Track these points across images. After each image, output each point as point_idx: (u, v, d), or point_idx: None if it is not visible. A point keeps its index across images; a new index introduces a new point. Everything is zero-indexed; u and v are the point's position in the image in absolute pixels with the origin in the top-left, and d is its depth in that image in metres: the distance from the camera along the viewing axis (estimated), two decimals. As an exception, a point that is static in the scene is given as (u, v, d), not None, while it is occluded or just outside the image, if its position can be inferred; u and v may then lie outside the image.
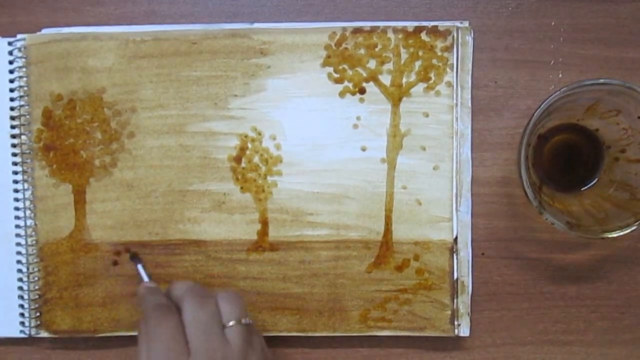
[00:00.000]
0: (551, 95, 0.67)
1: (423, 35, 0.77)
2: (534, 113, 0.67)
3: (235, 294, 0.68)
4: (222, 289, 0.69)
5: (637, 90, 0.66)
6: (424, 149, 0.78)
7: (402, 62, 0.78)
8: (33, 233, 0.79)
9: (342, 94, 0.78)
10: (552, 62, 0.78)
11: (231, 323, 0.65)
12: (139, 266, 0.77)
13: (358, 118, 0.78)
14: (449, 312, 0.78)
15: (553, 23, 0.78)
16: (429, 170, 0.78)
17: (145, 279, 0.76)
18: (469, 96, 0.78)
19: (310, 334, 0.79)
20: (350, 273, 0.79)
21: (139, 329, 0.66)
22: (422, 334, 0.79)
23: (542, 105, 0.67)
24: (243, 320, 0.66)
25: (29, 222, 0.79)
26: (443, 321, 0.78)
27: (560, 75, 0.78)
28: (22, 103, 0.79)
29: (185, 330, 0.64)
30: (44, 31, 0.79)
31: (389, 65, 0.78)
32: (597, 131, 0.75)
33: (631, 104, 0.69)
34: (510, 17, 0.78)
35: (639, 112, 0.69)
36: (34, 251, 0.79)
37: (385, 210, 0.78)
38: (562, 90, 0.67)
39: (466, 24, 0.77)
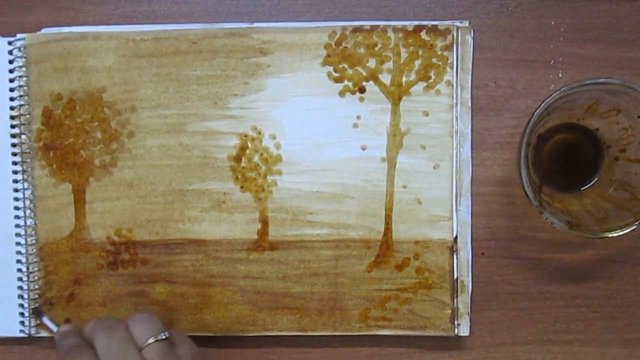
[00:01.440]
0: (551, 94, 0.67)
1: (423, 34, 0.77)
2: (534, 113, 0.67)
3: (147, 312, 0.68)
4: (132, 315, 0.68)
5: (637, 90, 0.66)
6: (424, 148, 0.78)
7: (402, 61, 0.78)
8: (33, 233, 0.79)
9: (342, 93, 0.78)
10: (552, 61, 0.78)
11: (148, 342, 0.65)
12: (45, 319, 0.78)
13: (358, 117, 0.78)
14: (449, 311, 0.78)
15: (553, 23, 0.78)
16: (429, 169, 0.78)
17: (54, 328, 0.77)
18: (469, 96, 0.78)
19: (310, 334, 0.79)
20: (351, 272, 0.79)
21: None
22: (422, 333, 0.79)
23: (542, 105, 0.67)
24: (159, 336, 0.65)
25: (29, 221, 0.79)
26: (443, 320, 0.78)
27: (560, 75, 0.78)
28: (22, 103, 0.79)
29: None
30: (44, 31, 0.79)
31: (389, 64, 0.78)
32: (597, 131, 0.75)
33: (631, 103, 0.69)
34: (510, 17, 0.78)
35: (639, 111, 0.69)
36: (34, 251, 0.79)
37: (386, 210, 0.78)
38: (562, 89, 0.67)
39: (466, 23, 0.77)
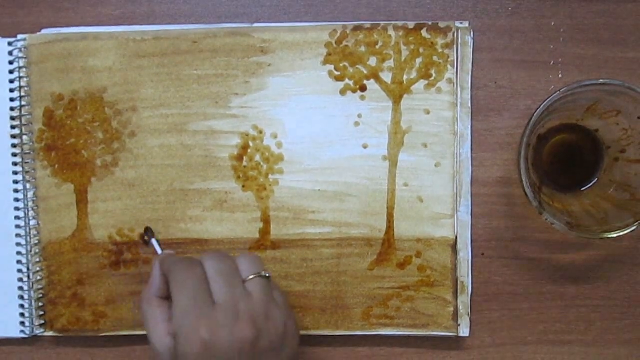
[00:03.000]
0: (551, 95, 0.67)
1: (424, 33, 0.77)
2: (534, 113, 0.67)
3: (252, 254, 0.71)
4: (241, 253, 0.71)
5: (637, 91, 0.67)
6: (426, 146, 0.78)
7: (403, 59, 0.78)
8: (36, 233, 0.80)
9: (343, 92, 0.78)
10: (552, 62, 0.78)
11: (251, 277, 0.66)
12: (153, 240, 0.78)
13: (359, 116, 0.78)
14: (452, 309, 0.79)
15: (553, 23, 0.78)
16: (431, 167, 0.78)
17: (159, 251, 0.77)
18: (469, 96, 0.78)
19: (312, 332, 0.80)
20: (353, 271, 0.79)
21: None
22: (424, 331, 0.79)
23: (542, 106, 0.67)
24: (262, 273, 0.67)
25: (32, 222, 0.79)
26: (445, 318, 0.79)
27: (560, 76, 0.78)
28: (23, 103, 0.79)
29: (209, 283, 0.65)
30: (45, 31, 0.79)
31: (390, 63, 0.78)
32: (597, 131, 0.75)
33: (631, 104, 0.69)
34: (510, 18, 0.78)
35: (638, 112, 0.69)
36: (38, 251, 0.80)
37: (387, 208, 0.79)
38: (562, 90, 0.67)
39: (466, 24, 0.77)
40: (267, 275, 0.67)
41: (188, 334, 0.62)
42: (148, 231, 0.79)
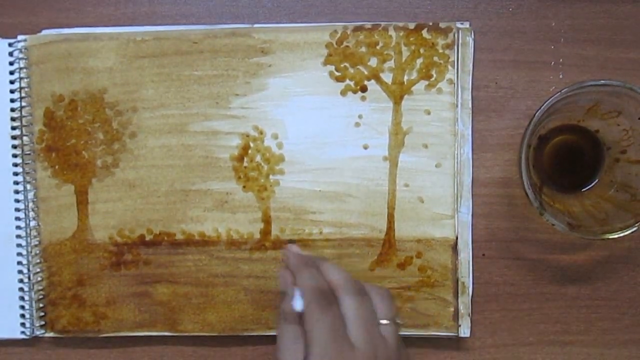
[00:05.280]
0: (552, 96, 0.67)
1: (424, 33, 0.77)
2: (535, 114, 0.67)
3: (388, 291, 0.68)
4: (373, 285, 0.69)
5: (638, 91, 0.67)
6: (426, 146, 0.78)
7: (404, 59, 0.78)
8: (36, 234, 0.80)
9: (343, 92, 0.78)
10: (553, 63, 0.78)
11: (385, 321, 0.65)
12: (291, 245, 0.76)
13: (360, 116, 0.78)
14: (452, 310, 0.79)
15: (553, 24, 0.78)
16: (431, 167, 0.78)
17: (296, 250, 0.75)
18: (470, 97, 0.78)
19: (313, 332, 0.80)
20: (353, 271, 0.79)
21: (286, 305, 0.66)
22: (425, 332, 0.79)
23: (543, 106, 0.67)
24: (396, 319, 0.66)
25: (32, 223, 0.80)
26: (446, 318, 0.79)
27: (560, 76, 0.78)
28: (23, 104, 0.79)
29: (346, 324, 0.63)
30: (45, 32, 0.79)
31: (391, 63, 0.78)
32: (597, 132, 0.76)
33: (632, 104, 0.69)
34: (511, 18, 0.78)
35: (639, 113, 0.69)
36: (38, 252, 0.80)
37: (388, 208, 0.79)
38: (562, 91, 0.67)
39: (467, 24, 0.78)
40: (401, 322, 0.67)
41: None
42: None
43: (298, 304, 0.65)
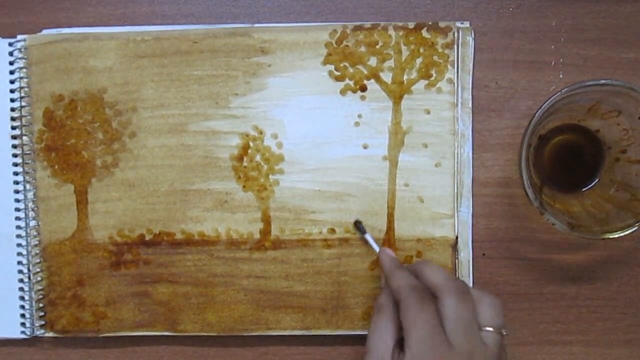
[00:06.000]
0: (552, 95, 0.67)
1: (424, 32, 0.77)
2: (535, 114, 0.67)
3: (499, 301, 0.67)
4: (485, 291, 0.68)
5: (638, 91, 0.67)
6: (426, 146, 0.78)
7: (403, 59, 0.78)
8: (36, 234, 0.79)
9: (343, 92, 0.78)
10: (553, 62, 0.78)
11: (489, 328, 0.65)
12: (368, 236, 0.77)
13: (359, 116, 0.78)
14: (452, 309, 0.79)
15: (554, 23, 0.78)
16: (431, 167, 0.78)
17: (377, 248, 0.77)
18: (470, 96, 0.78)
19: (313, 332, 0.80)
20: (353, 270, 0.79)
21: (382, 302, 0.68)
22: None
23: (543, 106, 0.67)
24: (502, 330, 0.65)
25: (32, 222, 0.79)
26: (445, 318, 0.79)
27: (561, 76, 0.78)
28: (23, 104, 0.79)
29: (444, 323, 0.63)
30: (45, 32, 0.79)
31: (390, 63, 0.78)
32: (597, 132, 0.75)
33: (632, 104, 0.69)
34: (511, 18, 0.78)
35: (639, 112, 0.69)
36: (38, 252, 0.80)
37: (388, 208, 0.79)
38: (563, 90, 0.67)
39: (467, 24, 0.77)
40: (505, 333, 0.66)
41: None
42: (359, 224, 0.78)
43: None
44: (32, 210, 0.80)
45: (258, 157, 0.79)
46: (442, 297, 0.64)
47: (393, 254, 0.74)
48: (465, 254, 0.79)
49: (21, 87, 0.79)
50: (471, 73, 0.78)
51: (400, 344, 0.65)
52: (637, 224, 0.68)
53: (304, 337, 0.81)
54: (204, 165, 0.79)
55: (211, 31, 0.78)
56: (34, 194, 0.79)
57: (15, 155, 0.79)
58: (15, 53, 0.79)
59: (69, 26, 0.80)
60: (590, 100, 0.72)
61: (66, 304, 0.80)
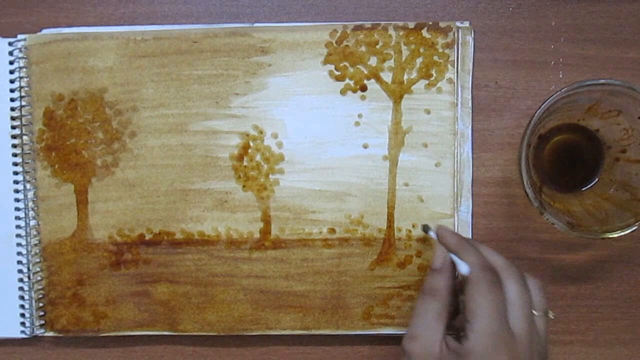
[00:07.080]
0: (552, 95, 0.67)
1: (424, 32, 0.77)
2: (535, 113, 0.67)
3: (541, 283, 0.67)
4: (527, 274, 0.68)
5: (638, 91, 0.67)
6: (426, 146, 0.78)
7: (403, 59, 0.78)
8: (36, 233, 0.80)
9: (343, 92, 0.78)
10: (553, 62, 0.78)
11: (539, 313, 0.65)
12: (431, 232, 0.75)
13: (360, 115, 0.78)
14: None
15: (553, 23, 0.78)
16: (431, 167, 0.78)
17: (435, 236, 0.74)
18: (470, 96, 0.78)
19: (313, 332, 0.80)
20: (353, 270, 0.79)
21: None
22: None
23: (543, 106, 0.67)
24: (550, 314, 0.66)
25: (32, 222, 0.79)
26: (445, 318, 0.79)
27: (560, 76, 0.78)
28: (23, 103, 0.79)
29: (508, 308, 0.63)
30: (45, 31, 0.79)
31: (390, 63, 0.78)
32: (597, 131, 0.75)
33: (632, 104, 0.69)
34: (511, 18, 0.78)
35: (639, 112, 0.69)
36: (38, 251, 0.80)
37: (388, 207, 0.79)
38: (562, 90, 0.67)
39: (467, 24, 0.77)
40: (553, 317, 0.67)
41: (489, 354, 0.61)
42: (427, 229, 0.77)
43: (464, 268, 0.65)
44: (32, 209, 0.80)
45: (258, 157, 0.79)
46: (507, 281, 0.64)
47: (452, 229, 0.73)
48: (465, 254, 0.78)
49: (21, 87, 0.79)
50: (471, 73, 0.78)
51: (448, 330, 0.65)
52: (637, 224, 0.68)
53: (303, 337, 0.81)
54: (204, 165, 0.79)
55: (211, 31, 0.78)
56: (34, 194, 0.79)
57: (15, 155, 0.79)
58: (16, 53, 0.79)
59: (69, 26, 0.80)
60: (590, 100, 0.72)
61: (66, 304, 0.80)
